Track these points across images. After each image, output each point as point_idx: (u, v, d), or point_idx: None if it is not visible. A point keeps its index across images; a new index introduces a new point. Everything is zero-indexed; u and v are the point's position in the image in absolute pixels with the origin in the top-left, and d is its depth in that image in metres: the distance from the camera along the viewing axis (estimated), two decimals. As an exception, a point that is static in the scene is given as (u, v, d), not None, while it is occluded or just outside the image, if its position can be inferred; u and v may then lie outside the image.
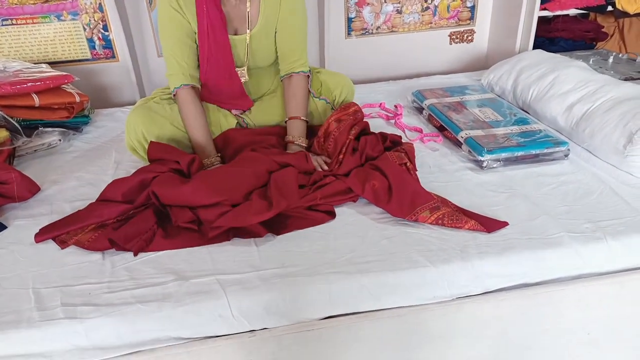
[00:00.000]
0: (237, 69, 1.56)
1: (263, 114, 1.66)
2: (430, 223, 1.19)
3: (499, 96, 1.92)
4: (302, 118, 1.56)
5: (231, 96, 1.61)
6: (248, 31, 1.52)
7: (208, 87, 1.58)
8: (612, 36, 2.61)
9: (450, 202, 1.28)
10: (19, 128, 1.62)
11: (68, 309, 1.00)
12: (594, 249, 1.13)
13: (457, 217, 1.19)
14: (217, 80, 1.56)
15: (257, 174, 1.32)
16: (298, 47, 1.59)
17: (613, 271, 1.15)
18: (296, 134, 1.54)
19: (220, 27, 1.48)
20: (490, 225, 1.18)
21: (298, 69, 1.59)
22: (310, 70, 1.66)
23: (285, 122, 1.59)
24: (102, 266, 1.12)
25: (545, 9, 2.22)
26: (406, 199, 1.24)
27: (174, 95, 1.52)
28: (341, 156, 1.42)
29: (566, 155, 1.49)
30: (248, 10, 1.50)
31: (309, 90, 1.64)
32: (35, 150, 1.67)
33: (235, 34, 1.54)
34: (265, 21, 1.53)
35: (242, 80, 1.58)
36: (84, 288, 1.05)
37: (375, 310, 1.07)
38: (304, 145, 1.53)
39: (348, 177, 1.34)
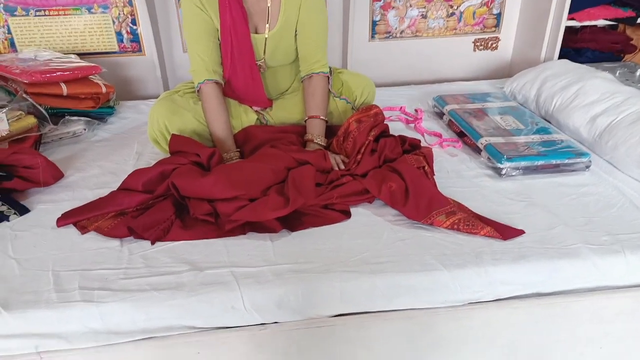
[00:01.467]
0: (257, 61, 1.58)
1: (283, 112, 1.68)
2: (446, 227, 1.19)
3: (521, 105, 1.90)
4: (321, 117, 1.57)
5: (251, 93, 1.63)
6: (267, 28, 1.53)
7: (230, 83, 1.60)
8: (640, 49, 2.57)
9: (466, 207, 1.27)
10: (47, 115, 1.66)
11: (85, 292, 1.02)
12: (611, 262, 1.11)
13: (473, 222, 1.18)
14: (239, 76, 1.57)
15: (276, 170, 1.33)
16: (318, 49, 1.60)
17: (630, 285, 1.14)
18: (315, 132, 1.55)
19: (242, 23, 1.50)
20: (506, 232, 1.17)
21: (318, 70, 1.60)
22: (330, 71, 1.67)
23: (305, 121, 1.60)
24: (119, 253, 1.14)
25: (573, 18, 2.19)
26: (422, 202, 1.24)
27: (198, 90, 1.55)
28: (359, 156, 1.43)
29: (587, 167, 1.47)
30: (269, 5, 1.52)
31: (329, 90, 1.65)
32: (60, 138, 1.71)
33: (256, 32, 1.56)
34: (285, 21, 1.55)
35: (261, 70, 1.60)
36: (101, 273, 1.07)
37: (387, 311, 1.07)
38: (323, 144, 1.54)
39: (365, 178, 1.34)
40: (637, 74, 2.19)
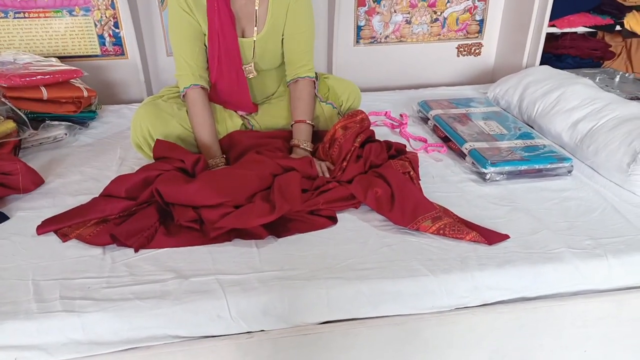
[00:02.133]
0: (244, 65, 1.57)
1: (269, 117, 1.67)
2: (432, 233, 1.20)
3: (504, 110, 1.93)
4: (308, 122, 1.57)
5: (237, 98, 1.62)
6: (255, 31, 1.53)
7: (216, 88, 1.58)
8: (619, 55, 2.62)
9: (452, 212, 1.28)
10: (26, 120, 1.62)
11: (66, 302, 1.00)
12: (594, 266, 1.13)
13: (458, 227, 1.19)
14: (225, 80, 1.56)
15: (261, 177, 1.32)
16: (305, 53, 1.60)
17: (612, 289, 1.15)
18: (302, 137, 1.54)
19: (230, 26, 1.49)
20: (491, 237, 1.18)
21: (304, 74, 1.60)
22: (316, 76, 1.67)
23: (291, 125, 1.60)
24: (102, 261, 1.12)
25: (553, 25, 2.23)
26: (408, 208, 1.24)
27: (183, 95, 1.53)
28: (345, 163, 1.43)
29: (569, 172, 1.49)
30: (257, 8, 1.51)
31: (316, 95, 1.65)
32: (40, 143, 1.68)
33: (243, 36, 1.55)
34: (273, 24, 1.54)
35: (250, 76, 1.59)
36: (83, 282, 1.05)
37: (373, 318, 1.07)
38: (310, 149, 1.54)
39: (351, 184, 1.34)
40: (616, 79, 2.23)
